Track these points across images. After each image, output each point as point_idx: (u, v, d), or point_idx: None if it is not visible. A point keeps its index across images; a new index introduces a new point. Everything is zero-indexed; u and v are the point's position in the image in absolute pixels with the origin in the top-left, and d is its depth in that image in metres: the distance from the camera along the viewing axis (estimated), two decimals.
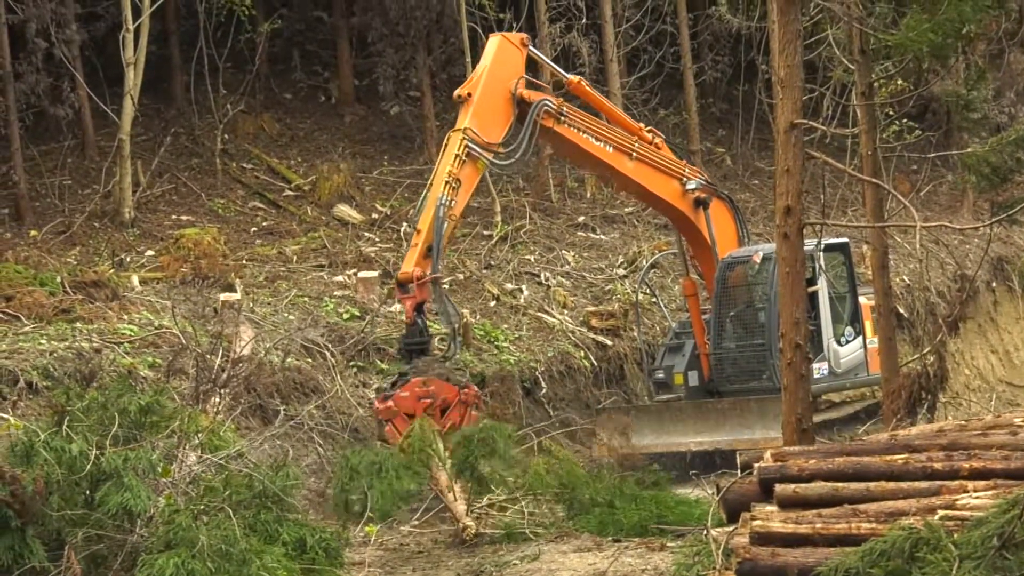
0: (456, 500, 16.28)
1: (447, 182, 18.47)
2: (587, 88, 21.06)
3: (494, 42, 20.10)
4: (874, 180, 17.10)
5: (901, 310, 27.58)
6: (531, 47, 20.26)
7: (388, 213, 27.96)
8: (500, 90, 19.38)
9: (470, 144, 18.77)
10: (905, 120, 28.36)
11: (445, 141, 19.40)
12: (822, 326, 21.47)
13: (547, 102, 19.53)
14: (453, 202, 18.51)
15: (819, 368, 21.32)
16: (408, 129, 31.44)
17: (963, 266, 30.62)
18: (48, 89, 26.83)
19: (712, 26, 33.97)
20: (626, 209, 30.22)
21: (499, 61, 19.68)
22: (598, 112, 21.04)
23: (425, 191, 19.00)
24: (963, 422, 13.98)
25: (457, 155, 18.68)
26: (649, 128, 21.25)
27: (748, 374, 21.18)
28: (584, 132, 19.96)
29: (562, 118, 19.64)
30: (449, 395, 17.93)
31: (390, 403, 17.90)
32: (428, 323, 18.73)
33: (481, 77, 19.50)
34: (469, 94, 19.32)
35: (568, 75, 20.94)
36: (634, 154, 20.44)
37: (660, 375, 22.12)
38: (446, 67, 31.31)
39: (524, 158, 20.26)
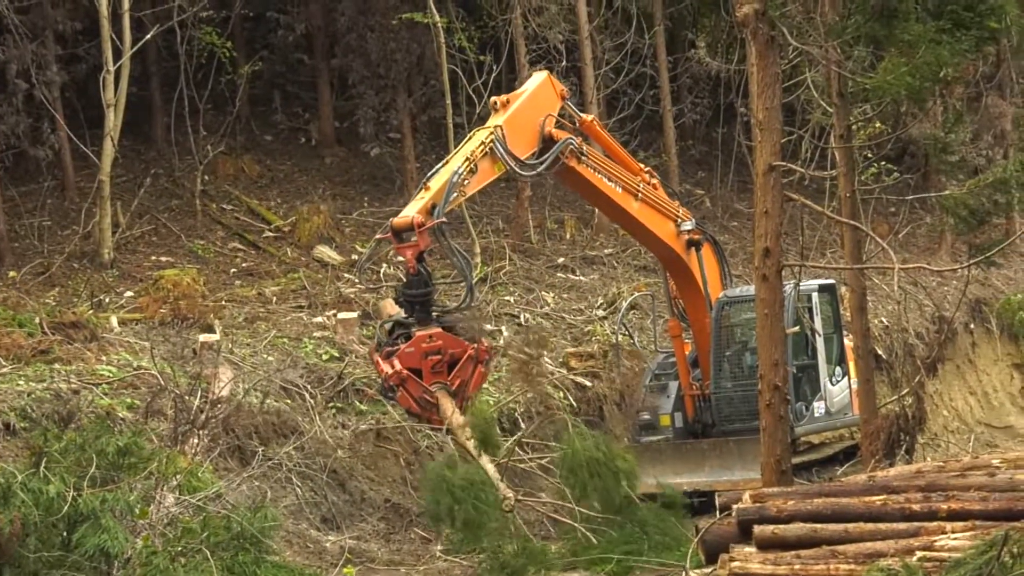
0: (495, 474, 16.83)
1: (468, 159, 18.32)
2: (598, 128, 21.25)
3: (540, 76, 20.40)
4: (852, 222, 17.19)
5: (880, 352, 27.62)
6: (568, 102, 20.41)
7: (368, 254, 27.94)
8: (532, 118, 19.48)
9: (496, 142, 18.70)
10: (883, 163, 28.48)
11: (470, 135, 19.38)
12: (820, 366, 21.60)
13: (572, 140, 19.63)
14: (467, 181, 18.34)
15: (819, 407, 21.46)
16: (388, 171, 31.48)
17: (941, 308, 30.68)
18: (28, 130, 26.81)
19: (691, 69, 34.11)
20: (605, 251, 30.27)
21: (539, 94, 19.91)
22: (605, 151, 21.19)
23: (440, 164, 18.83)
24: (941, 463, 14.04)
25: (483, 143, 18.62)
26: (648, 169, 21.42)
27: (749, 414, 21.11)
28: (599, 172, 20.12)
29: (582, 158, 19.79)
30: (457, 350, 17.37)
31: (396, 363, 17.21)
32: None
33: (520, 97, 19.64)
34: (508, 101, 19.41)
35: (581, 114, 21.10)
36: (639, 195, 20.60)
37: (646, 416, 22.07)
38: (426, 109, 31.39)
39: (536, 178, 20.38)
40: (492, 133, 18.73)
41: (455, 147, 28.66)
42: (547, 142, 19.53)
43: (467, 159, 18.28)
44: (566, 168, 19.70)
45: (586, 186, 20.43)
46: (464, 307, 18.25)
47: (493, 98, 19.87)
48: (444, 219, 17.72)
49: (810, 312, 21.77)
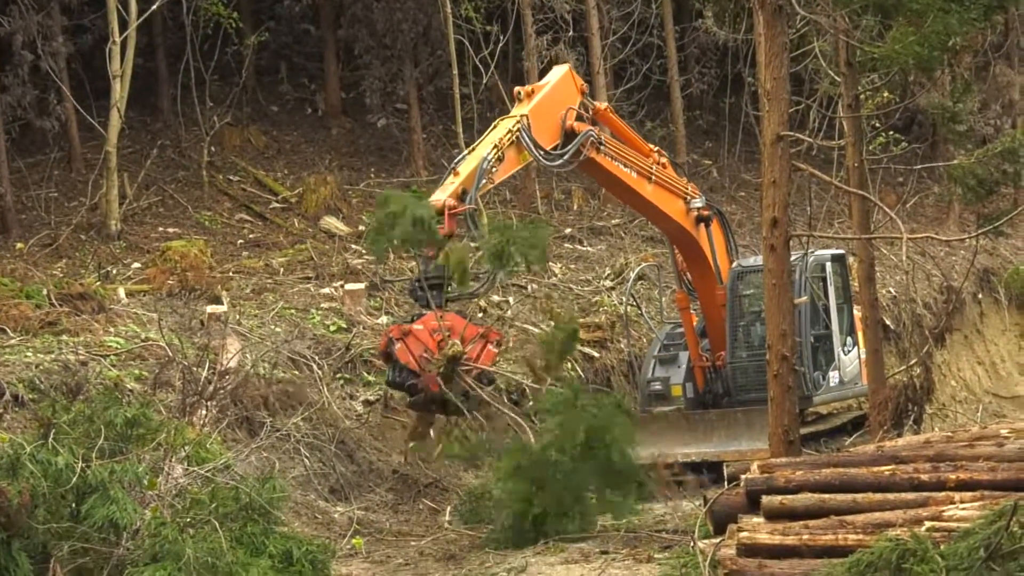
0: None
1: (496, 146, 18.40)
2: (612, 115, 21.40)
3: (562, 70, 20.54)
4: (860, 192, 17.17)
5: (887, 322, 27.62)
6: (587, 97, 20.51)
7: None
8: (554, 111, 19.64)
9: (522, 131, 18.81)
10: (891, 132, 28.48)
11: (495, 123, 19.50)
12: (834, 335, 21.62)
13: (592, 132, 19.75)
14: (495, 169, 18.42)
15: (833, 376, 21.48)
16: (395, 141, 31.45)
17: (949, 278, 30.67)
18: (34, 101, 26.80)
19: (699, 39, 34.06)
20: (613, 221, 30.23)
21: (560, 87, 20.07)
22: (618, 136, 21.27)
23: (466, 151, 18.87)
24: (949, 433, 14.02)
25: (511, 131, 18.71)
26: (656, 149, 21.50)
27: (764, 384, 21.06)
28: (616, 160, 20.24)
29: (602, 148, 19.89)
30: (468, 332, 17.45)
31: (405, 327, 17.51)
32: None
33: (543, 89, 19.82)
34: (532, 92, 19.52)
35: (595, 103, 21.19)
36: (653, 178, 20.70)
37: (657, 387, 22.09)
38: (433, 79, 31.33)
39: (559, 169, 20.85)
40: (519, 122, 18.85)
41: (461, 114, 28.94)
42: (568, 135, 19.63)
43: (495, 146, 18.38)
44: (587, 159, 19.82)
45: (604, 174, 20.60)
46: (483, 294, 18.42)
47: (517, 88, 20.06)
48: (475, 205, 17.84)
49: (823, 282, 21.81)
